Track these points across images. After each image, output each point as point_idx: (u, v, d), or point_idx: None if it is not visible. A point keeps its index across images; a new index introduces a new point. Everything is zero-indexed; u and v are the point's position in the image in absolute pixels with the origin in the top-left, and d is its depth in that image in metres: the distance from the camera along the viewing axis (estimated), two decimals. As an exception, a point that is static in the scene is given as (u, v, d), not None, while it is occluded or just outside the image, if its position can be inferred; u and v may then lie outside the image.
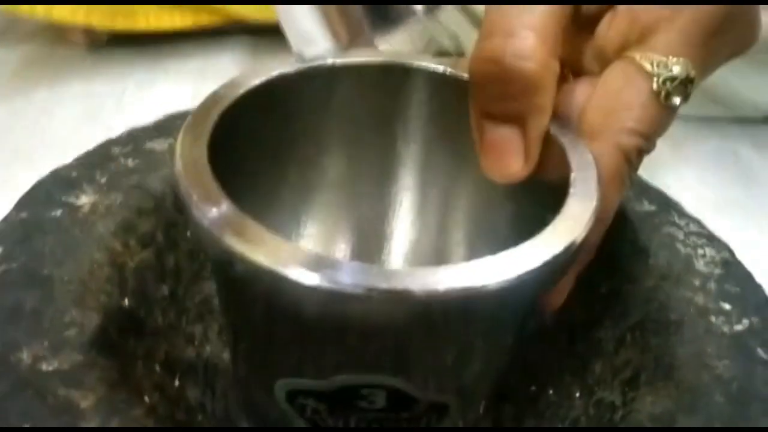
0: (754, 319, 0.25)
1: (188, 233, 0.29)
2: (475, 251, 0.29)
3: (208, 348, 0.29)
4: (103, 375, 0.22)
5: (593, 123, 0.24)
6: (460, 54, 0.51)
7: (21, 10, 0.51)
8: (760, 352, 0.24)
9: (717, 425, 0.22)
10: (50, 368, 0.21)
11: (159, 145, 0.30)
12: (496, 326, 0.23)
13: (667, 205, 0.30)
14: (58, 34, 0.56)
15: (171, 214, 0.28)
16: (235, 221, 0.19)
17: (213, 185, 0.20)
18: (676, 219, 0.29)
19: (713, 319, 0.25)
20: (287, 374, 0.23)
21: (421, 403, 0.23)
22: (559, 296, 0.24)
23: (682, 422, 0.22)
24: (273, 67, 0.25)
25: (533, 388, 0.29)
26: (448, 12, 0.48)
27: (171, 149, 0.30)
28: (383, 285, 0.18)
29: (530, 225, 0.23)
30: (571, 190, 0.22)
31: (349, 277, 0.18)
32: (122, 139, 0.30)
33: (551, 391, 0.28)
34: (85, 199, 0.27)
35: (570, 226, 0.21)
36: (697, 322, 0.25)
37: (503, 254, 0.20)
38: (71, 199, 0.27)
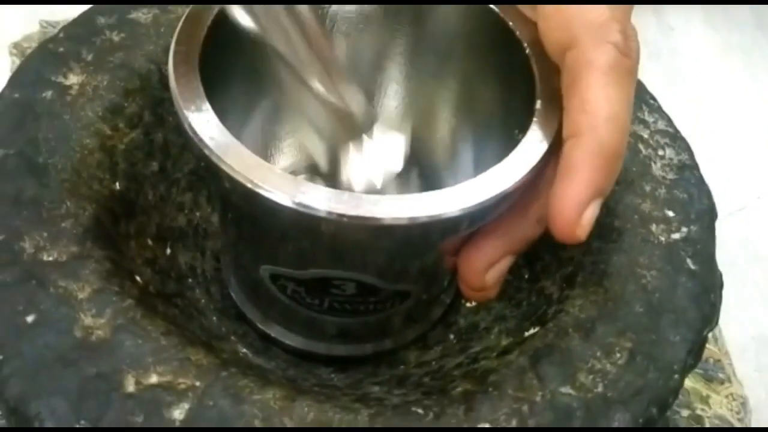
0: (693, 228, 0.28)
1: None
2: (457, 140, 0.30)
3: (197, 214, 0.32)
4: (97, 266, 0.25)
5: (559, 40, 0.23)
6: None
7: None
8: (689, 262, 0.27)
9: (630, 334, 0.25)
10: (50, 258, 0.24)
11: (143, 15, 0.30)
12: (459, 237, 0.25)
13: (639, 99, 0.30)
14: None
15: (157, 91, 0.30)
16: (223, 140, 0.21)
17: (204, 101, 0.22)
18: (645, 115, 0.30)
19: (653, 227, 0.27)
20: (268, 262, 0.26)
21: (387, 291, 0.27)
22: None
23: (601, 330, 0.25)
24: None
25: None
26: None
27: (155, 22, 0.30)
28: (352, 212, 0.21)
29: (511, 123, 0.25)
30: (534, 119, 0.23)
31: (320, 203, 0.21)
32: (107, 8, 0.30)
33: (505, 268, 0.31)
34: (73, 79, 0.28)
35: (526, 157, 0.23)
36: (637, 230, 0.27)
37: (463, 184, 0.22)
38: (60, 79, 0.28)
